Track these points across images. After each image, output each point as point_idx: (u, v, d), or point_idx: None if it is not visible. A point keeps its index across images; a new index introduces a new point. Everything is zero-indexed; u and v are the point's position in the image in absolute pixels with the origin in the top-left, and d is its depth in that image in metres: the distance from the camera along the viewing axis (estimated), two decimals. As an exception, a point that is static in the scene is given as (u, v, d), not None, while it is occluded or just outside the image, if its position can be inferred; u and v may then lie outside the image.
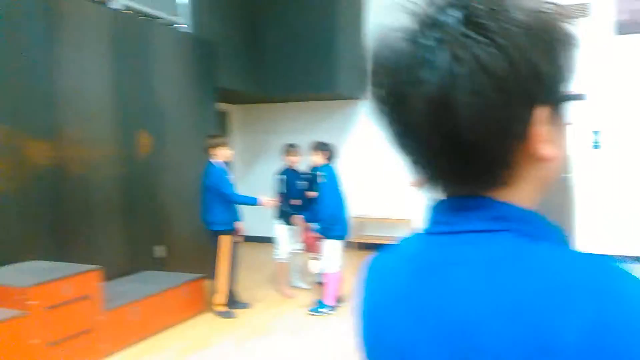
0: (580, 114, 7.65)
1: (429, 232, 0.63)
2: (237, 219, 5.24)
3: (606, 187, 7.60)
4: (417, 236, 0.65)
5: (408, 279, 0.61)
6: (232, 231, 5.14)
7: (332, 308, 5.15)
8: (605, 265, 0.50)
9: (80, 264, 4.04)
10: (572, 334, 0.47)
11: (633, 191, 7.47)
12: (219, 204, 5.03)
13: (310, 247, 5.78)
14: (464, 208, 0.58)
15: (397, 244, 0.69)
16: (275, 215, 5.91)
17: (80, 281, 3.79)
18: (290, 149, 5.93)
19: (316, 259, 5.39)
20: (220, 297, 5.10)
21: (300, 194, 5.85)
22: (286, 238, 5.84)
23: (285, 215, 5.82)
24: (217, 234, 5.07)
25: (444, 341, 0.54)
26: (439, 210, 0.62)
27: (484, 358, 0.50)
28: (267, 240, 5.94)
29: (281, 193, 5.82)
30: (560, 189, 7.86)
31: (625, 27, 7.48)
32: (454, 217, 0.59)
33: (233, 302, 5.27)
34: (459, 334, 0.53)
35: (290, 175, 5.90)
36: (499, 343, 0.49)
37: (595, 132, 7.60)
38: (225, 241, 5.07)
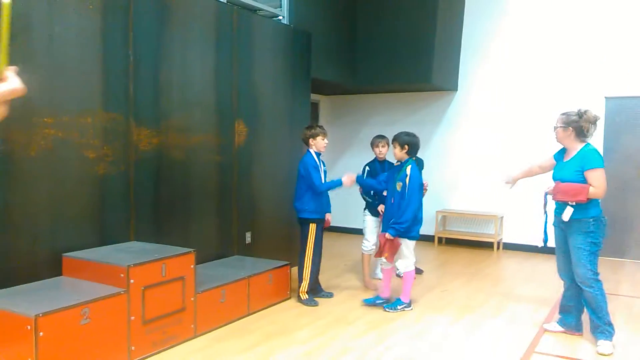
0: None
1: None
2: (327, 210, 5.36)
3: None
4: None
5: None
6: (320, 220, 5.24)
7: (408, 305, 5.12)
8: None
9: (176, 247, 4.29)
10: None
11: None
12: (309, 193, 5.16)
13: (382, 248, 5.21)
14: None
15: None
16: (363, 207, 5.95)
17: (176, 263, 4.02)
18: (378, 140, 5.90)
19: (386, 262, 5.23)
20: (305, 285, 5.24)
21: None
22: (373, 229, 5.87)
23: (371, 206, 5.84)
24: (305, 222, 5.18)
25: None
26: None
27: None
28: (354, 231, 5.97)
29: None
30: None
31: None
32: None
33: (317, 290, 5.41)
34: None
35: (377, 166, 5.89)
36: None
37: None
38: (312, 230, 5.18)
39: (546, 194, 4.43)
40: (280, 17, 6.44)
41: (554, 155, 4.51)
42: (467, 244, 8.47)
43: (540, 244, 4.61)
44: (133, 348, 3.70)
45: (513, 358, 4.01)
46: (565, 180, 4.18)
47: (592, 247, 4.13)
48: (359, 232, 6.46)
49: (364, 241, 5.94)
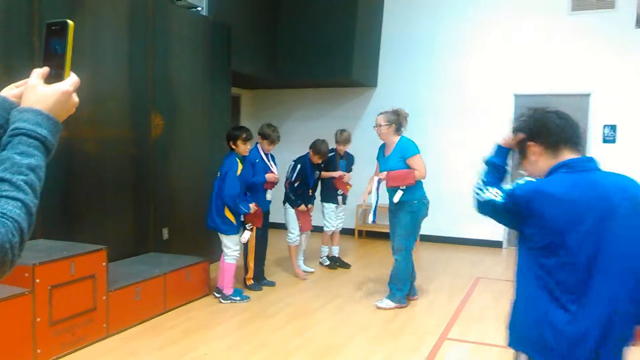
0: (592, 107, 7.60)
1: (582, 170, 1.83)
2: (266, 203, 5.51)
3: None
4: (573, 172, 1.82)
5: (592, 183, 1.80)
6: (261, 213, 5.40)
7: (236, 295, 5.16)
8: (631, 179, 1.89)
9: (86, 244, 4.12)
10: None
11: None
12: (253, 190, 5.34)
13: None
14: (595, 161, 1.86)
15: (556, 174, 1.83)
16: (283, 201, 5.99)
17: (86, 261, 3.87)
18: (320, 150, 5.96)
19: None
20: (250, 273, 5.52)
21: (315, 184, 6.17)
22: (297, 220, 5.95)
23: (290, 200, 5.91)
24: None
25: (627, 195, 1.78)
26: (578, 163, 1.85)
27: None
28: (272, 225, 5.98)
29: (287, 180, 5.91)
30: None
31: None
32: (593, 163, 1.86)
33: (261, 278, 5.67)
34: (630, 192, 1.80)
35: (307, 166, 5.98)
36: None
37: (611, 127, 7.53)
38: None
39: (378, 180, 5.00)
40: (199, 8, 6.31)
41: (377, 157, 5.21)
42: (386, 236, 8.64)
43: (371, 220, 5.14)
44: (39, 351, 3.51)
45: (427, 345, 4.16)
46: (393, 169, 4.87)
47: (411, 224, 4.91)
48: (279, 226, 6.48)
49: (288, 233, 5.99)
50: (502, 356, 3.75)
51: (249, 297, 5.21)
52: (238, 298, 5.13)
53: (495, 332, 3.97)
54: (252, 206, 5.09)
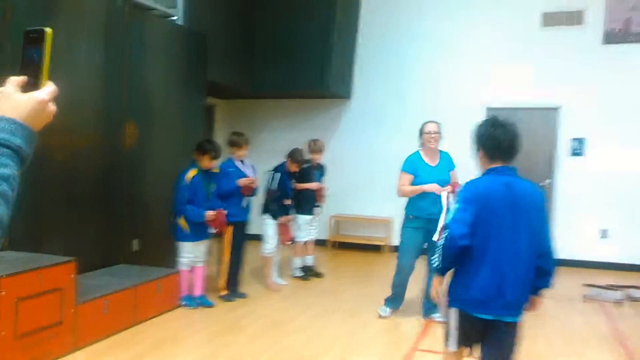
0: (561, 121, 7.78)
1: (500, 174, 2.68)
2: (244, 211, 5.55)
3: (586, 194, 7.70)
4: (495, 175, 2.68)
5: (503, 184, 2.64)
6: (238, 223, 5.44)
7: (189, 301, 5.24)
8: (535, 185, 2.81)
9: (54, 256, 4.03)
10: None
11: (613, 199, 7.58)
12: (228, 198, 5.36)
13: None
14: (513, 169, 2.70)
15: (486, 178, 2.71)
16: (262, 211, 5.97)
17: (53, 273, 3.79)
18: (296, 158, 6.07)
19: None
20: (222, 282, 5.51)
21: (292, 193, 6.20)
22: (275, 233, 5.95)
23: (271, 210, 5.90)
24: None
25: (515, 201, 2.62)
26: (500, 170, 2.68)
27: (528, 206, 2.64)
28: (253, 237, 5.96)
29: (270, 190, 5.90)
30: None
31: (615, 37, 7.57)
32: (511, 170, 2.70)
33: (234, 290, 5.62)
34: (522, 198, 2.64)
35: (285, 175, 6.02)
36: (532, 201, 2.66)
37: (579, 140, 7.70)
38: (229, 232, 5.42)
39: (448, 193, 4.65)
40: (175, 18, 6.28)
41: (406, 169, 4.97)
42: (358, 247, 8.70)
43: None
44: (3, 366, 3.43)
45: (398, 356, 4.17)
46: (447, 179, 4.78)
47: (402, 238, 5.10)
48: (252, 237, 6.45)
49: (265, 244, 5.97)
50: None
51: (195, 305, 5.21)
52: (184, 303, 5.17)
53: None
54: (210, 213, 5.08)
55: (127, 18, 5.35)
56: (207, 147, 5.15)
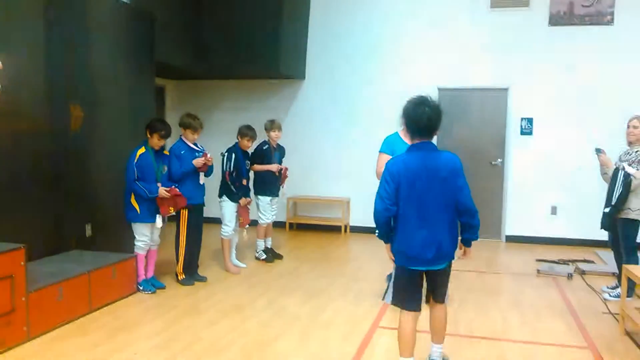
0: (510, 101, 7.98)
1: (419, 149, 3.19)
2: (199, 194, 5.47)
3: (536, 172, 7.95)
4: (415, 151, 3.19)
5: (420, 157, 3.15)
6: (194, 206, 5.38)
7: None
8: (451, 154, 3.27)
9: (2, 243, 3.86)
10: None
11: (561, 177, 7.85)
12: (182, 181, 5.29)
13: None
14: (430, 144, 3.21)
15: (407, 152, 3.23)
16: (218, 194, 5.90)
17: (1, 261, 3.63)
18: (247, 133, 6.00)
19: None
20: (180, 266, 5.47)
21: (247, 173, 6.12)
22: (233, 214, 5.90)
23: (233, 194, 5.85)
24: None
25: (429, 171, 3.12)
26: (419, 145, 3.20)
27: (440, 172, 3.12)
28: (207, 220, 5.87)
29: (225, 171, 5.84)
30: (491, 174, 8.15)
31: (560, 19, 7.78)
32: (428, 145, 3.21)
33: (192, 273, 5.58)
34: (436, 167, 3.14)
35: (240, 154, 5.96)
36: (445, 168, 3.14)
37: (528, 120, 7.91)
38: (184, 215, 5.35)
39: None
40: (121, -4, 6.06)
41: (384, 150, 4.88)
42: (317, 228, 8.73)
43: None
44: (-49, 358, 3.28)
45: (359, 334, 4.22)
46: None
47: None
48: (211, 221, 6.37)
49: (223, 227, 5.91)
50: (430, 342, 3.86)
51: (153, 289, 5.15)
52: (141, 288, 5.13)
53: (426, 318, 4.09)
54: (162, 190, 5.00)
55: (70, -5, 5.12)
56: (157, 127, 5.05)
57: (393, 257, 3.30)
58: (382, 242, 3.38)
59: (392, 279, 3.31)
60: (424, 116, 3.11)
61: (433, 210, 3.10)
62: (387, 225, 3.22)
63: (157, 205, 5.04)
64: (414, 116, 3.14)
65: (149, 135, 5.06)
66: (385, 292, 3.24)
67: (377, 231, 3.34)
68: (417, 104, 3.16)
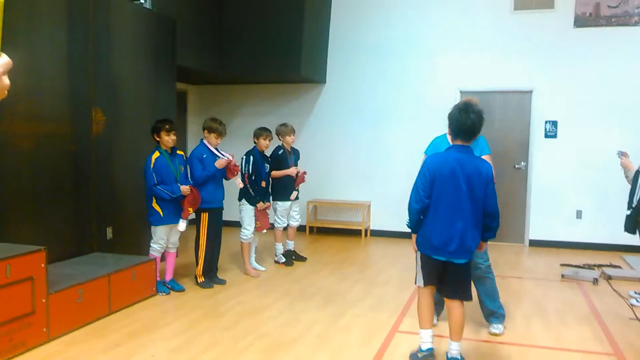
0: (535, 104, 7.84)
1: (458, 151, 3.44)
2: (219, 198, 5.48)
3: (560, 175, 7.80)
4: (454, 151, 3.44)
5: (458, 159, 3.39)
6: (213, 209, 5.41)
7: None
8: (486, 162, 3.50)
9: (23, 245, 3.91)
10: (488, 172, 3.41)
11: (586, 180, 7.69)
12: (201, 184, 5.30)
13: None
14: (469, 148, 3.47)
15: (447, 150, 3.50)
16: (237, 197, 5.92)
17: (23, 262, 3.67)
18: (262, 132, 6.02)
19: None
20: (199, 269, 5.47)
21: (267, 176, 6.11)
22: (252, 218, 5.89)
23: (251, 197, 5.85)
24: (198, 211, 5.32)
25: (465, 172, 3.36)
26: (459, 147, 3.44)
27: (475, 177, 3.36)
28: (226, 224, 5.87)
29: (245, 174, 5.85)
30: (514, 178, 8.02)
31: (585, 20, 7.64)
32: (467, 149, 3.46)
33: (212, 276, 5.61)
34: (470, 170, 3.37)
35: (258, 157, 5.97)
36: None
37: (552, 122, 7.77)
38: (204, 219, 5.39)
39: None
40: (143, 1, 6.12)
41: (429, 153, 4.63)
42: (337, 232, 8.69)
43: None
44: (-27, 359, 3.32)
45: (378, 339, 4.17)
46: None
47: None
48: (230, 224, 6.38)
49: (243, 230, 5.91)
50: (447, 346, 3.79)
51: (168, 291, 5.19)
52: (158, 290, 5.17)
53: (445, 323, 4.02)
54: (184, 188, 5.02)
55: (91, 1, 5.18)
56: (159, 125, 5.08)
57: (416, 248, 3.56)
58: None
59: (417, 264, 3.60)
60: (467, 121, 3.35)
61: (461, 208, 3.34)
62: (418, 215, 3.46)
63: (180, 206, 5.07)
64: (458, 121, 3.38)
65: (157, 139, 5.09)
66: (416, 276, 3.61)
67: (408, 221, 3.56)
68: (462, 109, 3.39)
